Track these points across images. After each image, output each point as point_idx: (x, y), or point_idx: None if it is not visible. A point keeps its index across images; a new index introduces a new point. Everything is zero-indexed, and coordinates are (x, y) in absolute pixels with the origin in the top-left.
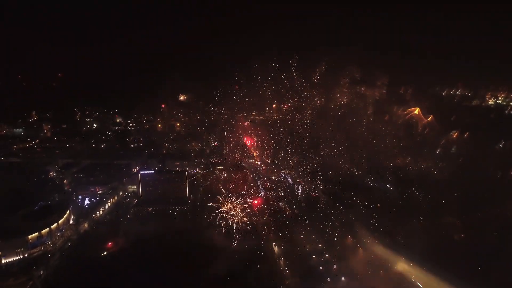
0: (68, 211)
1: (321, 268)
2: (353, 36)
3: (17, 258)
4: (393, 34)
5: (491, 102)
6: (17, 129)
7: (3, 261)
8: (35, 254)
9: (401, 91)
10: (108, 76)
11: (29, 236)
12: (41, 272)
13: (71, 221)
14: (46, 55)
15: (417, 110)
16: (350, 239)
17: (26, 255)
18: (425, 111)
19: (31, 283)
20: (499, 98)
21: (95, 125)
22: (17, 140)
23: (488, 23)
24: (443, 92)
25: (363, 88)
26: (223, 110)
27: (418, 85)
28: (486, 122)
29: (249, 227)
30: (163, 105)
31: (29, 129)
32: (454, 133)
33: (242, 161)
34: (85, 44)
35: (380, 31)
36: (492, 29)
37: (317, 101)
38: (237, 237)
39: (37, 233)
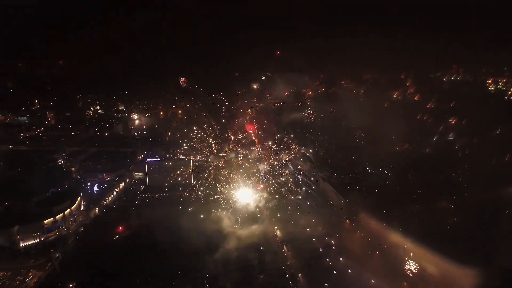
0: (80, 197)
1: (320, 249)
2: (353, 22)
3: (34, 241)
4: (394, 19)
5: (491, 88)
6: (22, 117)
7: (21, 244)
8: (51, 238)
9: (402, 77)
10: (109, 64)
11: (45, 221)
12: (58, 254)
13: (82, 207)
14: (46, 42)
15: (417, 96)
16: (348, 222)
17: (42, 239)
18: (425, 97)
19: (49, 264)
20: (500, 83)
21: (98, 112)
22: (22, 128)
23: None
24: (444, 77)
25: (363, 75)
26: (225, 97)
27: (419, 70)
28: (485, 108)
29: (252, 212)
30: (164, 92)
31: (33, 117)
32: (453, 120)
33: (244, 149)
34: (85, 31)
35: (380, 16)
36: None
37: (318, 88)
38: (241, 221)
39: (52, 218)
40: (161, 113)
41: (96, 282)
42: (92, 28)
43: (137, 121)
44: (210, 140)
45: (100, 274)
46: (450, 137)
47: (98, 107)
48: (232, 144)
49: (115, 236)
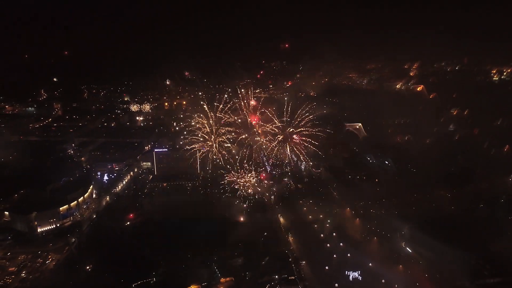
0: (91, 185)
1: (321, 235)
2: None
3: (50, 227)
4: (397, 9)
5: (495, 78)
6: (29, 108)
7: (39, 230)
8: (66, 224)
9: (406, 67)
10: (112, 55)
11: (60, 208)
12: (74, 239)
13: (94, 195)
14: (51, 34)
15: (420, 87)
16: (348, 210)
17: (58, 225)
18: (429, 88)
19: (66, 248)
20: (504, 73)
21: (103, 104)
22: (31, 119)
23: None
24: (448, 68)
25: (366, 65)
26: (227, 87)
27: (423, 61)
28: (486, 98)
29: (257, 200)
30: (168, 83)
31: (40, 108)
32: (454, 111)
33: (247, 139)
34: (90, 22)
35: (383, 6)
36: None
37: (320, 78)
38: (246, 209)
39: (67, 205)
40: (166, 103)
41: (110, 265)
42: (98, 19)
43: (142, 112)
44: (215, 130)
45: (114, 257)
46: (451, 128)
47: (103, 98)
48: (236, 134)
49: (126, 223)
